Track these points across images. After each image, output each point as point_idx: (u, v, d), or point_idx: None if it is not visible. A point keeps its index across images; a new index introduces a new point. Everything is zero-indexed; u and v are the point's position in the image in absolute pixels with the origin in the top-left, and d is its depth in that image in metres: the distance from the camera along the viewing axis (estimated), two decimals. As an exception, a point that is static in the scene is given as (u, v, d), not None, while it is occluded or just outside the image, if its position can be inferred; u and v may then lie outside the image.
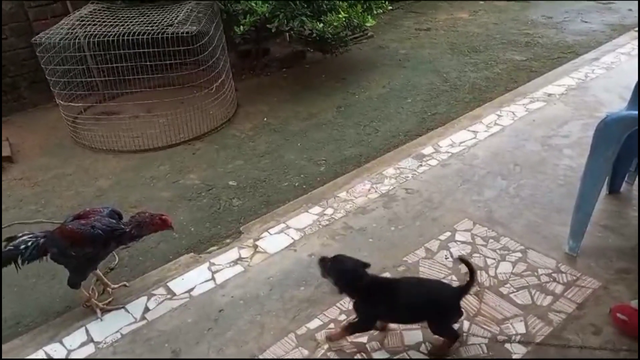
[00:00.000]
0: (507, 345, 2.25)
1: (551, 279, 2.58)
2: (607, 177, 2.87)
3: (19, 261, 2.44)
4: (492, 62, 5.45)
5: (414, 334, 2.33)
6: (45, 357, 2.39)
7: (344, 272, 2.16)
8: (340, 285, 2.17)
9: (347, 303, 2.53)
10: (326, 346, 2.32)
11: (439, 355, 2.22)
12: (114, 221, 2.49)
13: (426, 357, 2.23)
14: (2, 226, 3.26)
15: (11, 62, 4.86)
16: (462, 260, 2.19)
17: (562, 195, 3.18)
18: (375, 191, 3.40)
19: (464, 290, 2.17)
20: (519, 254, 2.76)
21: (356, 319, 2.24)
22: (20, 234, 2.51)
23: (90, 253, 2.47)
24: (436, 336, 2.24)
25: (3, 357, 2.28)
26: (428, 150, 3.83)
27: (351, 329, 2.26)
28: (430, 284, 2.35)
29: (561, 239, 2.80)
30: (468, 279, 2.13)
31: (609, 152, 2.51)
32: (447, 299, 2.16)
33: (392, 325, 2.33)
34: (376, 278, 2.25)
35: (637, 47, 5.32)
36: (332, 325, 2.42)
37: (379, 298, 2.15)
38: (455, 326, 2.25)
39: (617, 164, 2.78)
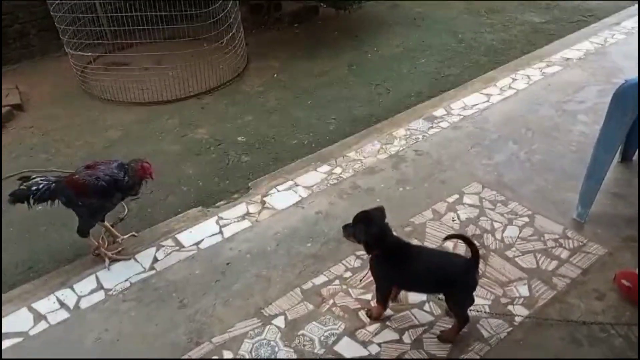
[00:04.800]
0: (510, 307, 2.28)
1: (557, 244, 2.59)
2: (620, 145, 2.84)
3: (31, 201, 2.53)
4: (510, 24, 5.31)
5: (419, 295, 2.36)
6: (56, 301, 2.44)
7: (371, 224, 2.09)
8: (366, 237, 2.10)
9: (352, 260, 2.56)
10: (331, 301, 2.36)
11: (448, 339, 2.18)
12: (117, 172, 2.51)
13: (427, 339, 2.25)
14: (15, 174, 3.26)
15: (20, 8, 4.78)
16: (451, 237, 2.14)
17: (574, 161, 3.15)
18: (385, 152, 3.38)
19: (476, 261, 2.08)
20: (527, 219, 2.76)
21: (376, 286, 2.22)
22: (34, 176, 2.59)
23: (96, 203, 2.54)
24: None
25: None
26: (439, 112, 3.78)
27: (379, 297, 2.23)
28: (448, 256, 2.32)
29: (570, 205, 2.79)
30: (471, 253, 2.06)
31: (625, 119, 2.48)
32: (465, 269, 2.08)
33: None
34: (400, 239, 2.20)
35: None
36: (337, 281, 2.45)
37: (400, 258, 2.11)
38: None
39: (631, 132, 2.73)
